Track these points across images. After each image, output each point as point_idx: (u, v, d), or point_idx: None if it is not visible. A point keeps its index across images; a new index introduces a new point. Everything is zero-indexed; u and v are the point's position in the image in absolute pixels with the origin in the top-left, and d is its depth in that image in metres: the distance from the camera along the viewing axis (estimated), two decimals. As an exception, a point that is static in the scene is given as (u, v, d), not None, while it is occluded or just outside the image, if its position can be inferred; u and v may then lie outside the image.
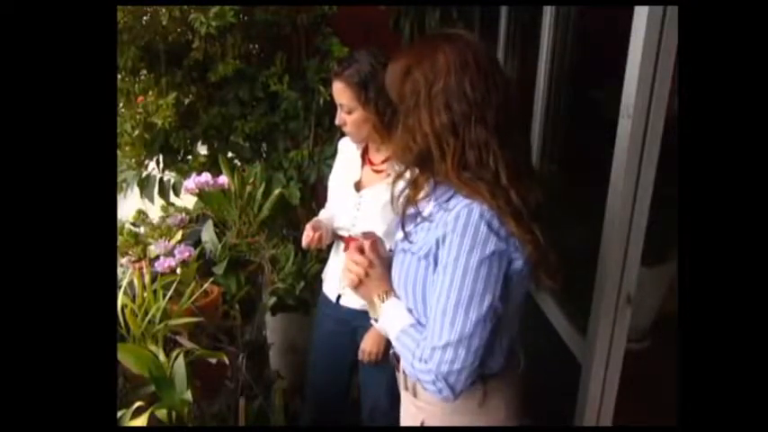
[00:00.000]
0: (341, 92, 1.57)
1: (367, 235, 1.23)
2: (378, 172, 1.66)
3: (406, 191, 1.12)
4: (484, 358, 1.05)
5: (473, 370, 1.03)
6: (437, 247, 1.03)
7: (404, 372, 1.19)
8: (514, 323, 1.16)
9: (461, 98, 0.99)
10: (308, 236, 1.63)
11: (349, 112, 1.58)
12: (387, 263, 1.18)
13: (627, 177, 1.21)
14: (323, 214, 1.79)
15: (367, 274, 1.16)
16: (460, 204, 1.01)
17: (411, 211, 1.12)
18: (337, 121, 1.62)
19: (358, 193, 1.67)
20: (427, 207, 1.11)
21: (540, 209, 1.04)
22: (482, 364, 1.06)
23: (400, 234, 1.13)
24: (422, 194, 1.11)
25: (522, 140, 1.09)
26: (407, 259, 1.10)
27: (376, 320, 1.19)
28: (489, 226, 0.98)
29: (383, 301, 1.15)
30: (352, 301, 1.72)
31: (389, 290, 1.15)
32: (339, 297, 1.76)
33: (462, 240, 0.98)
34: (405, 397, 1.26)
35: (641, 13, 1.12)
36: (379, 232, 1.61)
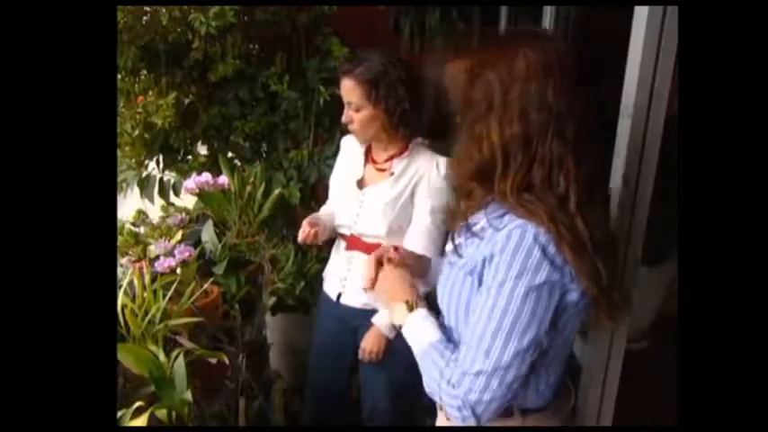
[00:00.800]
0: (350, 90, 1.56)
1: (397, 249, 1.19)
2: (381, 170, 1.66)
3: (461, 202, 1.04)
4: (522, 392, 0.97)
5: (505, 402, 0.93)
6: (483, 266, 0.94)
7: None
8: (565, 356, 1.06)
9: (542, 107, 0.88)
10: (304, 231, 1.62)
11: (357, 110, 1.57)
12: (411, 272, 1.13)
13: (627, 177, 1.21)
14: (323, 211, 1.79)
15: (382, 275, 1.11)
16: (513, 223, 0.91)
17: (462, 222, 1.03)
18: (344, 119, 1.61)
19: (360, 191, 1.67)
20: (480, 221, 1.00)
21: (608, 238, 0.92)
22: (521, 397, 0.99)
23: (450, 246, 1.05)
24: (476, 207, 1.02)
25: (601, 157, 0.95)
26: (453, 273, 1.02)
27: (399, 327, 1.10)
28: (544, 251, 0.88)
29: (410, 310, 1.07)
30: (352, 299, 1.72)
31: (419, 299, 1.08)
32: (340, 296, 1.76)
33: (511, 264, 0.88)
34: (440, 416, 1.17)
35: (641, 13, 1.12)
36: (381, 231, 1.61)
